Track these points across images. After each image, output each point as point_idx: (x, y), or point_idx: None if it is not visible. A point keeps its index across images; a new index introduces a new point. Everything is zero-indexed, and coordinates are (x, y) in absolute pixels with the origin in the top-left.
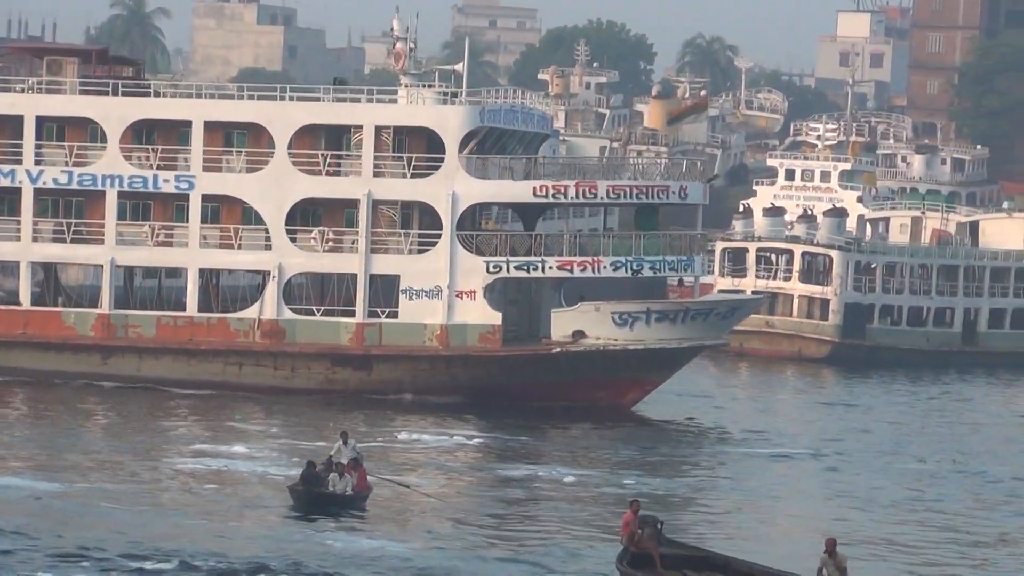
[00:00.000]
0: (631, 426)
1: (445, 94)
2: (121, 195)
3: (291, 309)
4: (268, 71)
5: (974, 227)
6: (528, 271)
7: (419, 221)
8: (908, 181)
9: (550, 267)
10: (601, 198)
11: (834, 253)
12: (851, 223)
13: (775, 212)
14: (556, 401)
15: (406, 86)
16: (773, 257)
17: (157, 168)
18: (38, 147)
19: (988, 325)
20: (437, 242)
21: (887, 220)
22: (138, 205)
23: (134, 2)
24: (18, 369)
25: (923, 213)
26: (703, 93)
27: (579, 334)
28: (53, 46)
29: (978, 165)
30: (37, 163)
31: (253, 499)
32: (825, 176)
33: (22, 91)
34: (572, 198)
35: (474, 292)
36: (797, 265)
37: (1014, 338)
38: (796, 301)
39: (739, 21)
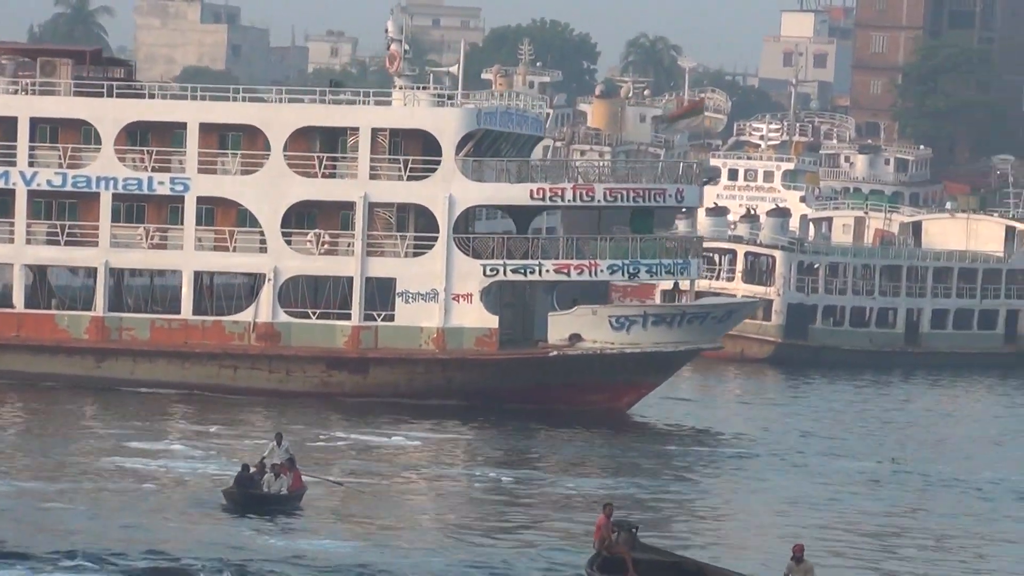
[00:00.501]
0: (582, 428)
1: (441, 96)
2: (115, 197)
3: (286, 312)
4: (212, 70)
5: (917, 227)
6: (525, 274)
7: (415, 224)
8: (851, 181)
9: (547, 270)
10: (598, 201)
11: (777, 253)
12: (794, 223)
13: (718, 212)
14: (552, 405)
15: (400, 88)
16: (716, 257)
17: (152, 170)
18: (31, 149)
19: (931, 326)
20: (433, 245)
21: (830, 220)
22: (132, 207)
23: (77, 0)
24: (10, 372)
25: (866, 213)
26: (700, 95)
27: (576, 337)
28: (47, 47)
29: (921, 165)
30: (30, 165)
31: (195, 499)
32: (768, 176)
33: (15, 92)
34: (569, 201)
35: (471, 295)
36: (740, 265)
37: (956, 339)
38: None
39: (683, 21)
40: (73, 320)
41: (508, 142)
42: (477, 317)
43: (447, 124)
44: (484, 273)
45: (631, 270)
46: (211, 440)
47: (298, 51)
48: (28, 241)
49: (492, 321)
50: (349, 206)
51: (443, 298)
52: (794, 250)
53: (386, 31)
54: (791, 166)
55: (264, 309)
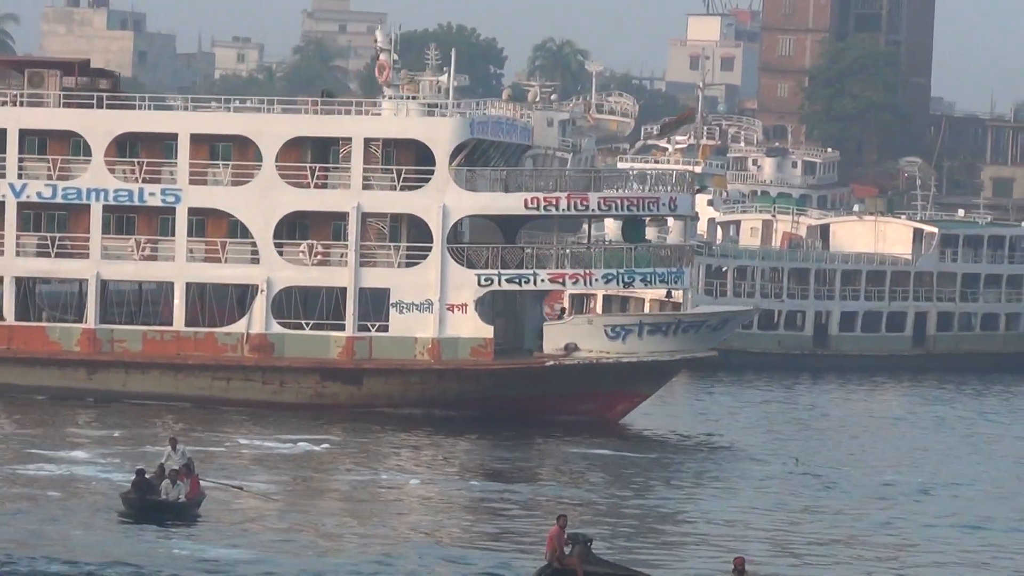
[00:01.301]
0: (498, 430)
1: (432, 106)
2: (106, 208)
3: (280, 323)
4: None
5: (825, 230)
6: (520, 284)
7: (407, 234)
8: (759, 184)
9: (542, 280)
10: (592, 210)
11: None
12: (702, 226)
13: None
14: (546, 414)
15: (390, 98)
16: None
17: (142, 181)
18: (20, 160)
19: (839, 328)
20: (427, 255)
21: (738, 223)
22: (122, 219)
23: None
24: (3, 385)
25: (774, 216)
26: (691, 105)
27: (571, 347)
28: (34, 59)
29: (828, 168)
30: (20, 177)
31: (96, 506)
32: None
33: (3, 104)
34: (563, 210)
35: (465, 305)
36: None
37: (865, 341)
38: (647, 305)
39: (589, 25)
40: (64, 332)
41: (497, 151)
42: (472, 327)
43: (440, 134)
44: (479, 283)
45: (626, 279)
46: (114, 446)
47: (204, 57)
48: (18, 253)
49: (487, 331)
50: (341, 216)
51: (438, 308)
52: (702, 253)
53: (375, 41)
54: (699, 169)
55: (257, 320)
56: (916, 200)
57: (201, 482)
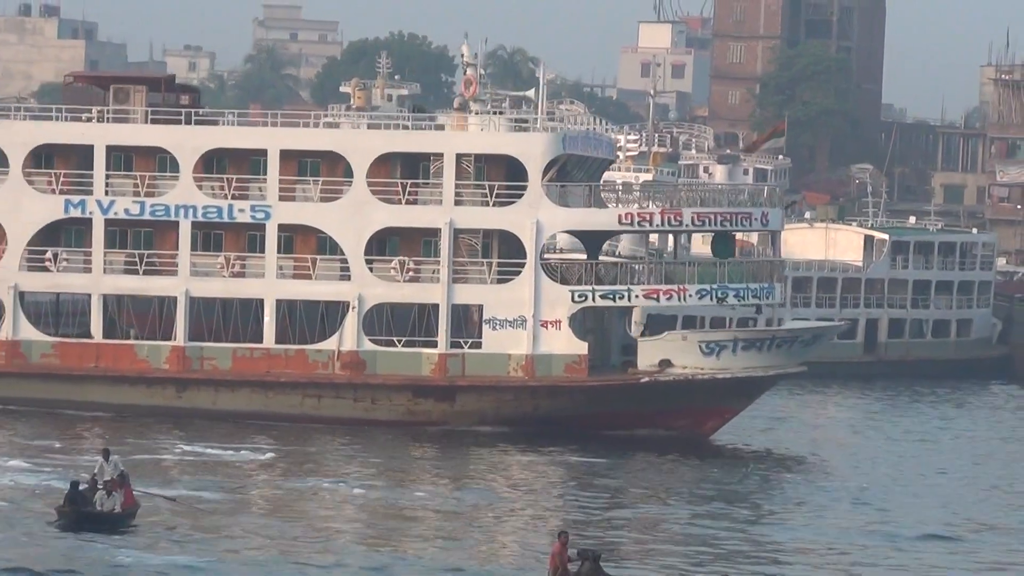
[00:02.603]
0: (440, 438)
1: (521, 120)
2: (194, 225)
3: (371, 340)
4: None
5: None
6: (614, 300)
7: (498, 250)
8: None
9: (636, 296)
10: (686, 225)
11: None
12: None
13: None
14: (636, 430)
15: (476, 113)
16: None
17: (231, 198)
18: (106, 177)
19: None
20: (520, 271)
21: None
22: (209, 235)
23: None
24: (91, 403)
25: None
26: (782, 120)
27: (665, 363)
28: (119, 75)
29: (780, 175)
30: (106, 193)
31: (30, 517)
32: (627, 187)
33: (89, 120)
34: (657, 225)
35: (559, 321)
36: None
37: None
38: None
39: (541, 32)
40: (153, 350)
41: (580, 165)
42: (566, 343)
43: (534, 149)
44: (572, 299)
45: (719, 294)
46: (51, 456)
47: (156, 66)
48: (105, 271)
49: (581, 347)
50: (432, 232)
51: (531, 324)
52: (653, 262)
53: (461, 55)
54: (650, 176)
55: (349, 337)
56: (867, 207)
57: (135, 492)
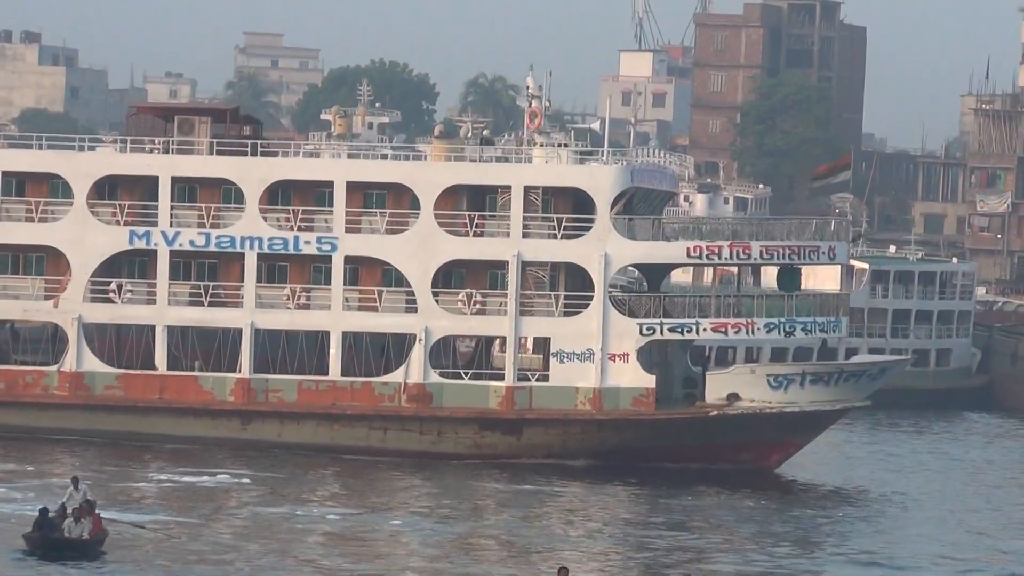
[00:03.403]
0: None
1: (587, 152)
2: (259, 257)
3: (438, 373)
4: (51, 112)
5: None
6: (682, 333)
7: (564, 283)
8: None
9: (704, 329)
10: (754, 258)
11: (616, 294)
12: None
13: None
14: (701, 463)
15: (541, 145)
16: None
17: (297, 229)
18: (171, 208)
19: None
20: (587, 304)
21: None
22: (273, 267)
23: None
24: (155, 435)
25: None
26: (848, 154)
27: (733, 396)
28: (183, 105)
29: (760, 204)
30: (171, 224)
31: (3, 542)
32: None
33: (151, 151)
34: (726, 259)
35: (627, 355)
36: None
37: None
38: None
39: (522, 61)
40: (218, 382)
41: (646, 198)
42: (633, 376)
43: (602, 182)
44: (640, 332)
45: (787, 328)
46: (24, 481)
47: (137, 92)
48: (170, 302)
49: (649, 381)
50: (499, 265)
51: (599, 358)
52: (632, 290)
53: (526, 87)
54: None
55: (415, 370)
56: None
57: (103, 518)
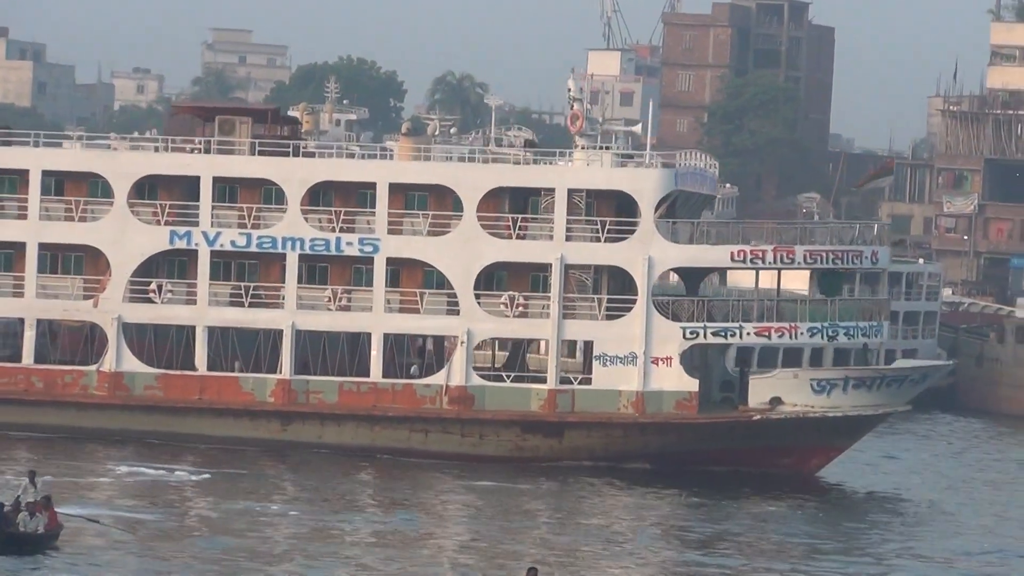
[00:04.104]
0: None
1: (628, 155)
2: (301, 258)
3: (480, 375)
4: (17, 107)
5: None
6: (726, 337)
7: (606, 285)
8: None
9: (748, 333)
10: (798, 263)
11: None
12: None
13: None
14: (742, 467)
15: (583, 148)
16: None
17: (340, 231)
18: (212, 208)
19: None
20: (631, 307)
21: None
22: (314, 268)
23: None
24: (194, 435)
25: None
26: (891, 158)
27: (776, 401)
28: (225, 106)
29: (727, 204)
30: (212, 224)
31: None
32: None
33: (192, 151)
34: (770, 263)
35: (670, 358)
36: None
37: None
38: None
39: (490, 59)
40: (258, 383)
41: (687, 202)
42: (677, 380)
43: (647, 185)
44: (684, 336)
45: (830, 333)
46: None
47: (104, 88)
48: (210, 303)
49: (692, 384)
50: (541, 267)
51: (642, 361)
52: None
53: (568, 90)
54: None
55: (457, 372)
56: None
57: (58, 513)
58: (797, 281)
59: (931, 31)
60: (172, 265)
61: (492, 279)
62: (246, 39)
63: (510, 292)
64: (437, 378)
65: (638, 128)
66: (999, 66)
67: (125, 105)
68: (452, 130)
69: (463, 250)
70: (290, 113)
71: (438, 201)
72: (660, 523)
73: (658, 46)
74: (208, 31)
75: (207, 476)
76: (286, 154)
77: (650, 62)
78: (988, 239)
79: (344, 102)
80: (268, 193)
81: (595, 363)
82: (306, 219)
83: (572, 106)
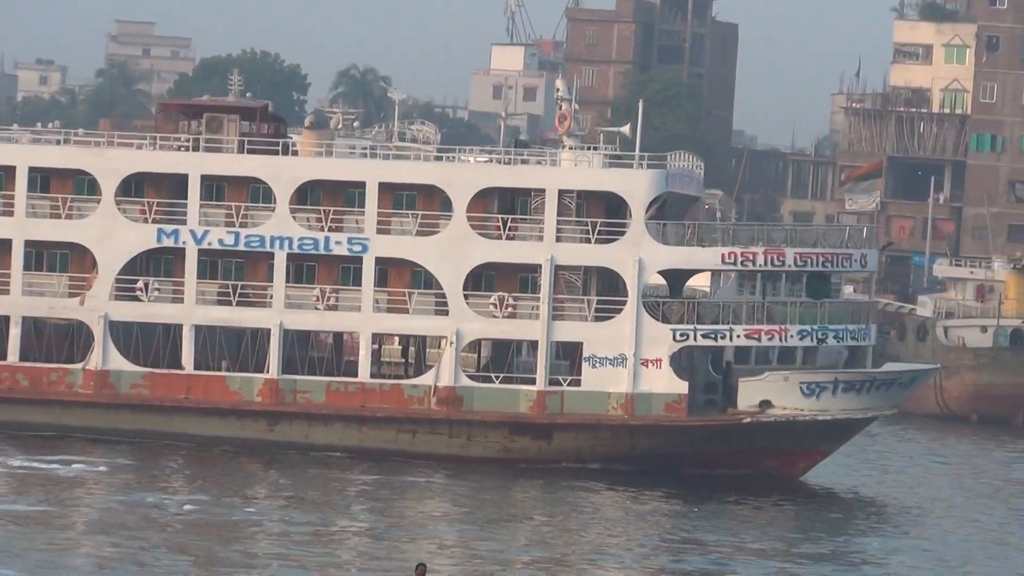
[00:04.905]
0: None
1: (614, 157)
2: (289, 257)
3: (468, 376)
4: None
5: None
6: (715, 339)
7: (595, 287)
8: None
9: (738, 335)
10: (788, 265)
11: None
12: None
13: None
14: (731, 470)
15: (570, 148)
16: None
17: (328, 230)
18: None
19: None
20: (621, 309)
21: None
22: (301, 267)
23: None
24: (180, 435)
25: None
26: (880, 159)
27: (766, 404)
28: (213, 103)
29: None
30: (200, 223)
31: None
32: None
33: (179, 149)
34: (760, 265)
35: (660, 360)
36: None
37: None
38: None
39: (394, 53)
40: (245, 382)
41: (675, 203)
42: (667, 382)
43: (637, 186)
44: (674, 338)
45: (819, 335)
46: None
47: (7, 79)
48: (198, 301)
49: (682, 387)
50: (530, 268)
51: (632, 363)
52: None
53: (556, 90)
54: None
55: (445, 373)
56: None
57: None
58: (699, 277)
59: (835, 28)
60: (159, 263)
61: (481, 280)
62: (150, 31)
63: (500, 293)
64: (425, 379)
65: (626, 129)
66: (902, 64)
67: (28, 96)
68: (355, 124)
69: (452, 250)
70: None
71: (427, 201)
72: (647, 527)
73: (562, 41)
74: (112, 23)
75: (102, 469)
76: (275, 152)
77: (554, 57)
78: (890, 236)
79: (247, 95)
80: (256, 191)
81: (584, 365)
82: (294, 218)
83: (560, 107)
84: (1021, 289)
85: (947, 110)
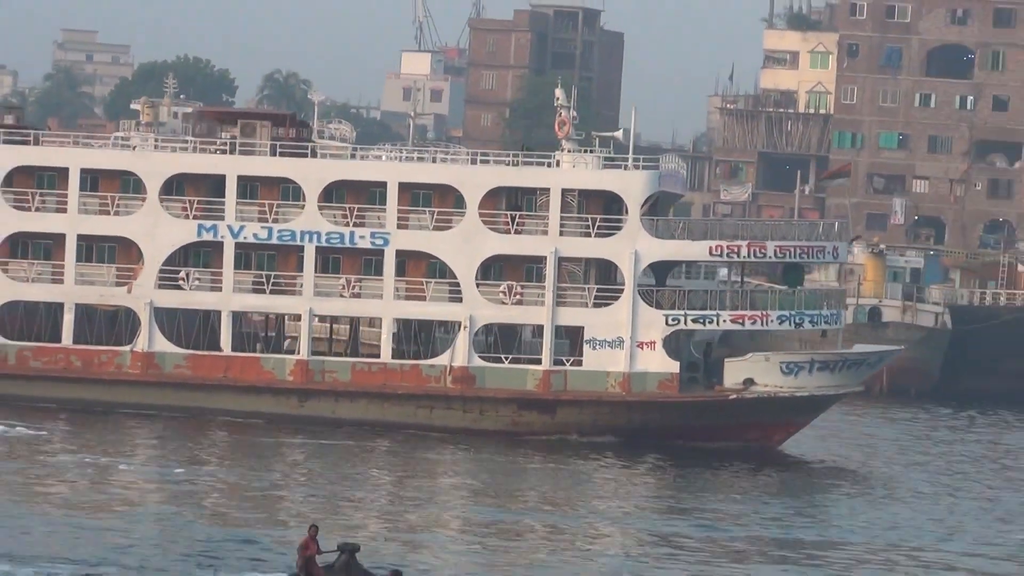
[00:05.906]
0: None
1: (608, 159)
2: (317, 250)
3: (480, 357)
4: None
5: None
6: (704, 324)
7: (594, 276)
8: None
9: (724, 320)
10: (769, 257)
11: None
12: None
13: None
14: (716, 442)
15: (569, 151)
16: None
17: (353, 225)
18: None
19: None
20: (618, 297)
21: None
22: (327, 259)
23: None
24: (219, 410)
25: None
26: (849, 163)
27: (749, 382)
28: (244, 111)
29: None
30: (237, 219)
31: None
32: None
33: (222, 151)
34: (744, 257)
35: (654, 343)
36: None
37: None
38: None
39: (314, 58)
40: (278, 363)
41: (665, 200)
42: (660, 363)
43: (634, 186)
44: (666, 322)
45: (796, 320)
46: None
47: None
48: (234, 290)
49: (673, 366)
50: (536, 259)
51: (628, 345)
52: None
53: (556, 98)
54: None
55: (460, 354)
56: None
57: None
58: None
59: (711, 37)
60: (199, 255)
61: (491, 270)
62: (92, 39)
63: (508, 282)
64: (442, 359)
65: (619, 134)
66: (771, 69)
67: None
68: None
69: (465, 243)
70: (132, 107)
71: (442, 199)
72: (640, 492)
73: (465, 48)
74: (59, 31)
75: (44, 433)
76: (304, 155)
77: (458, 63)
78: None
79: (181, 97)
80: (287, 190)
81: (585, 347)
82: (322, 214)
83: (560, 113)
84: (877, 271)
85: (812, 110)
